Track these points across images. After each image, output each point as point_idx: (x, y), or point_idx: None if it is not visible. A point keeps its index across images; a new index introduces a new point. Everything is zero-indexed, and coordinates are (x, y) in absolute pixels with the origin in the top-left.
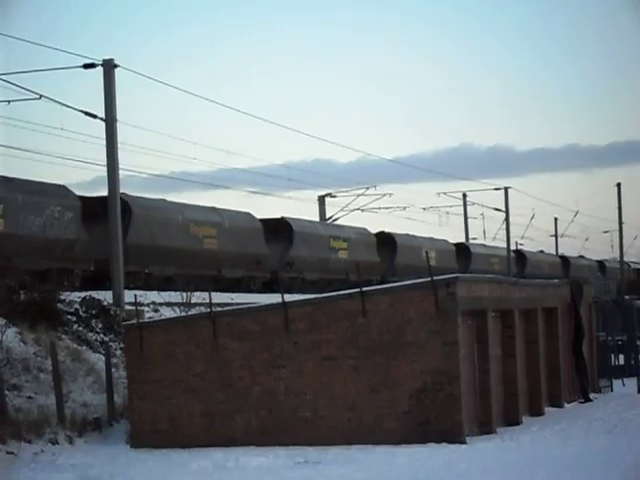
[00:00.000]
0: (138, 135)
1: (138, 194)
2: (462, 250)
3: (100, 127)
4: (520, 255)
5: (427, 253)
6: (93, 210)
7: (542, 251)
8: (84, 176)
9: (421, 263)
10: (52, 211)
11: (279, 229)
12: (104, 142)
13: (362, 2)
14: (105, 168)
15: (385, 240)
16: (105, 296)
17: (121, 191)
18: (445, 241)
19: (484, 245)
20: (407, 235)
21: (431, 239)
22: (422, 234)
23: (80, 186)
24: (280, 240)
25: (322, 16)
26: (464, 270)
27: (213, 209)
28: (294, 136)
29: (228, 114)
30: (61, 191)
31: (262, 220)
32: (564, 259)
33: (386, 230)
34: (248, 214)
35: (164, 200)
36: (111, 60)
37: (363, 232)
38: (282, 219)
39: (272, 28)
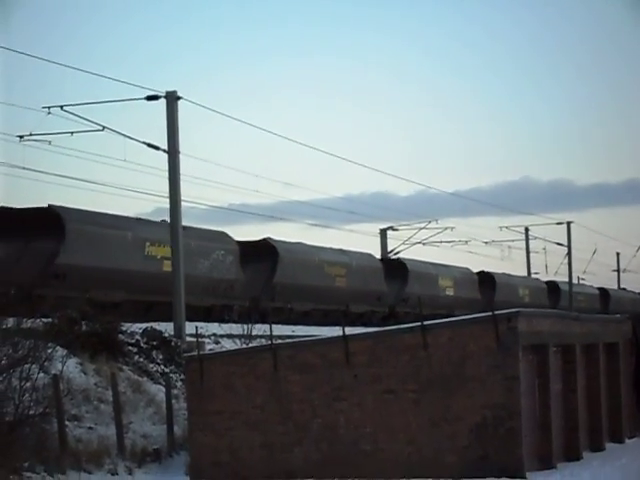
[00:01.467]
0: (198, 166)
1: (197, 225)
2: (553, 288)
3: (162, 158)
4: (604, 292)
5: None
6: (247, 253)
7: (624, 289)
8: (145, 207)
9: (517, 300)
10: (217, 255)
11: (396, 268)
12: (166, 173)
13: (429, 36)
14: (165, 199)
15: (485, 278)
16: (166, 327)
17: (268, 236)
18: (537, 279)
19: (574, 284)
20: (504, 274)
21: (525, 278)
22: (518, 273)
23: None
24: (397, 278)
25: (387, 50)
26: (554, 307)
27: (341, 251)
28: (353, 168)
29: (287, 145)
30: (223, 237)
31: (382, 260)
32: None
33: (485, 269)
34: (370, 255)
35: (301, 243)
36: (174, 92)
37: (466, 271)
38: (398, 260)
39: (333, 64)
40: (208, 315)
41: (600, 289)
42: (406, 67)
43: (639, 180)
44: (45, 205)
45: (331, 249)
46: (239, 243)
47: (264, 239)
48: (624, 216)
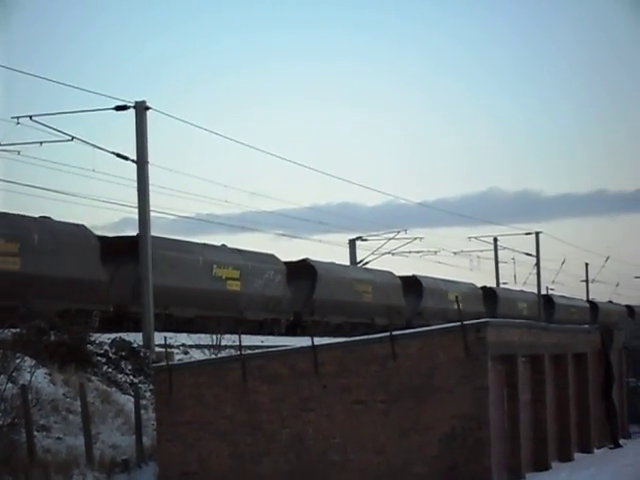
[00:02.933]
0: (165, 176)
1: (164, 235)
2: (548, 301)
3: (131, 168)
4: (594, 305)
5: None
6: (291, 272)
7: (610, 301)
8: (112, 217)
9: (517, 313)
10: (268, 275)
11: (412, 284)
12: (134, 183)
13: (398, 44)
14: (133, 209)
15: (488, 293)
16: (135, 338)
17: (307, 257)
18: (534, 294)
19: (565, 297)
20: (504, 289)
21: (522, 292)
22: (517, 286)
23: (106, 228)
24: (413, 293)
25: (352, 58)
26: (549, 320)
27: (367, 269)
28: (319, 178)
29: (253, 155)
30: (272, 258)
31: (400, 277)
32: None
33: (488, 285)
34: (390, 272)
35: (334, 263)
36: (143, 102)
37: (471, 287)
38: (414, 276)
39: (299, 72)
40: (260, 328)
41: (590, 302)
42: (372, 77)
43: (605, 191)
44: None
45: (359, 268)
46: (286, 263)
47: (304, 259)
48: (592, 226)
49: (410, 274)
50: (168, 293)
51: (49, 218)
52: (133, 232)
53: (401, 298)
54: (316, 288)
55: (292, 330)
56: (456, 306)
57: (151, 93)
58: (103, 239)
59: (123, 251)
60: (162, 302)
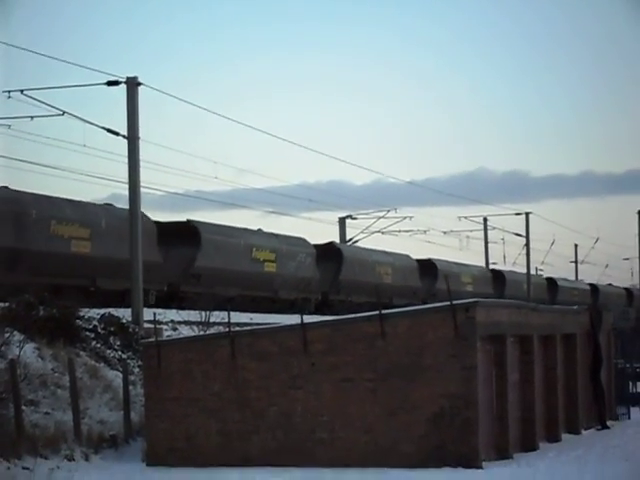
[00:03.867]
0: (155, 151)
1: (153, 212)
2: (551, 284)
3: (122, 144)
4: (595, 288)
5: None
6: (320, 255)
7: (610, 284)
8: (101, 192)
9: (523, 294)
10: (300, 257)
11: (428, 267)
12: (123, 158)
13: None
14: (122, 185)
15: (497, 275)
16: (124, 313)
17: (333, 240)
18: (540, 276)
19: (567, 280)
20: (512, 272)
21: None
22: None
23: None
24: (429, 276)
25: (343, 38)
26: (552, 301)
27: (386, 252)
28: (308, 156)
29: (241, 132)
30: (303, 242)
31: (417, 260)
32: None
33: (497, 268)
34: (408, 256)
35: (357, 246)
36: (135, 78)
37: (482, 270)
38: (430, 260)
39: (292, 49)
40: (292, 306)
41: (591, 285)
42: (362, 56)
43: (594, 172)
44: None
45: (379, 251)
46: (316, 247)
47: (331, 243)
48: (581, 208)
49: (426, 257)
50: (214, 274)
51: (112, 205)
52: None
53: (417, 280)
54: (342, 270)
55: (320, 308)
56: (468, 288)
57: (147, 72)
58: (158, 224)
59: (175, 235)
60: (209, 282)
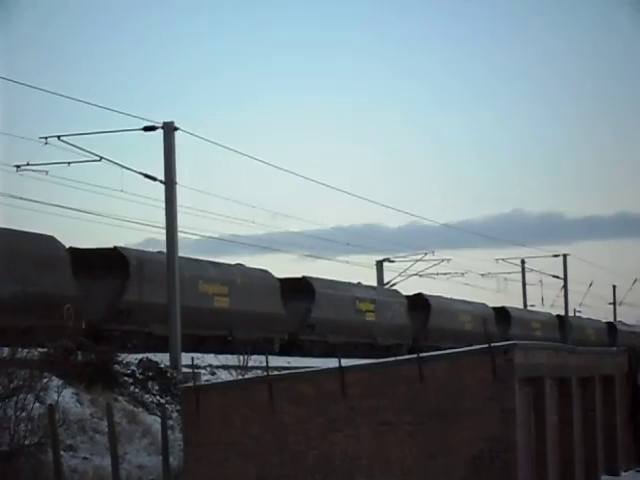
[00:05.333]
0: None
1: (187, 255)
2: (610, 329)
3: (157, 188)
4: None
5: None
6: (411, 304)
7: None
8: (136, 237)
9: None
10: (395, 307)
11: (502, 314)
12: (159, 203)
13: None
14: (157, 229)
15: (562, 320)
16: (162, 358)
17: (420, 291)
18: (599, 321)
19: (625, 323)
20: (576, 317)
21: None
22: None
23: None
24: (503, 323)
25: (377, 80)
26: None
27: (465, 301)
28: (341, 199)
29: (275, 175)
30: (397, 293)
31: (493, 308)
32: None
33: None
34: (484, 304)
35: (441, 296)
36: (171, 123)
37: (549, 315)
38: (504, 308)
39: (328, 90)
40: (388, 350)
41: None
42: (394, 98)
43: (629, 213)
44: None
45: (459, 300)
46: (407, 297)
47: (420, 294)
48: (618, 249)
49: (500, 305)
50: (326, 324)
51: (242, 265)
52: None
53: (494, 326)
54: (430, 318)
55: (412, 352)
56: (538, 333)
57: (175, 113)
58: (283, 280)
59: (295, 290)
60: (323, 331)
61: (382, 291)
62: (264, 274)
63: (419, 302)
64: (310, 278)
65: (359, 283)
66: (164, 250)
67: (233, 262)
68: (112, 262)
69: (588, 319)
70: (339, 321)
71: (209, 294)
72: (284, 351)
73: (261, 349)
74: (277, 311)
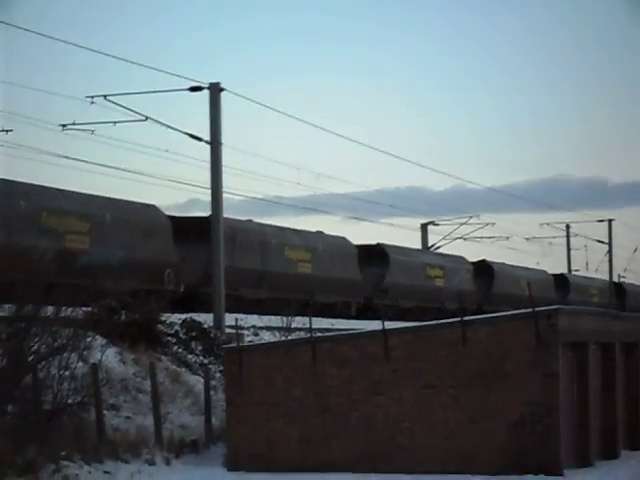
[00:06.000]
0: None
1: (231, 216)
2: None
3: (202, 149)
4: None
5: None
6: (477, 270)
7: None
8: (180, 197)
9: (588, 299)
10: (461, 273)
11: (561, 281)
12: (203, 163)
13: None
14: (200, 189)
15: (618, 288)
16: (206, 319)
17: (484, 258)
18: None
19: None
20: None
21: (593, 279)
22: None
23: (172, 208)
24: (562, 289)
25: (415, 49)
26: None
27: (526, 268)
28: (385, 161)
29: (319, 136)
30: (462, 259)
31: (472, 263)
32: None
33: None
34: (545, 271)
35: (504, 263)
36: (217, 83)
37: (605, 282)
38: (563, 274)
39: (373, 55)
40: (454, 315)
41: None
42: (435, 65)
43: None
44: None
45: (521, 267)
46: (473, 264)
47: (483, 260)
48: None
49: (559, 273)
50: (400, 289)
51: (322, 232)
52: (204, 213)
53: (553, 293)
54: (494, 283)
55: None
56: (595, 299)
57: (221, 74)
58: (359, 247)
59: (368, 256)
60: (396, 296)
61: (450, 258)
62: (343, 241)
63: (484, 268)
64: (385, 245)
65: (428, 249)
66: (252, 219)
67: (277, 223)
68: (206, 230)
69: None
70: (410, 286)
71: (293, 260)
72: (360, 315)
73: (339, 312)
74: (354, 276)
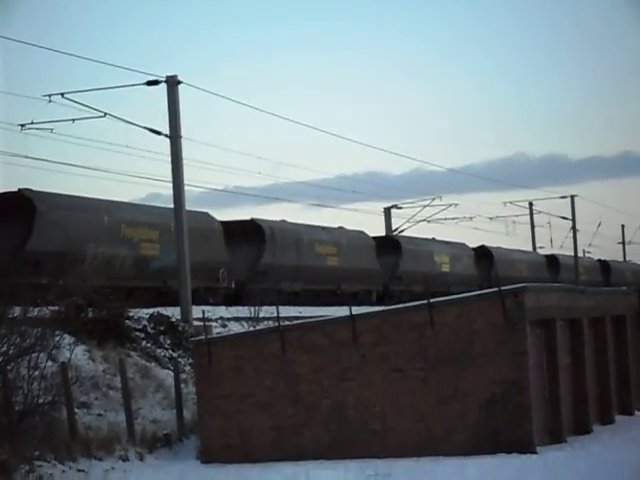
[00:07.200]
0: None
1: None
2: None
3: (162, 143)
4: None
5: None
6: (477, 255)
7: None
8: (139, 192)
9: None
10: (464, 259)
11: (553, 262)
12: (163, 157)
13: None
14: (159, 183)
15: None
16: (173, 312)
17: (483, 244)
18: (637, 264)
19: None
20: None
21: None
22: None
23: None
24: (553, 269)
25: (379, 32)
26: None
27: (521, 251)
28: (343, 146)
29: (276, 124)
30: (464, 246)
31: (473, 249)
32: None
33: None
34: (537, 253)
35: (503, 247)
36: (174, 76)
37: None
38: (554, 255)
39: (327, 41)
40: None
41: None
42: (397, 48)
43: (632, 152)
44: None
45: (517, 250)
46: (474, 249)
47: (483, 246)
48: (624, 188)
49: (550, 253)
50: (412, 275)
51: (343, 227)
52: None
53: (546, 273)
54: (493, 267)
55: None
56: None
57: (177, 67)
58: (376, 239)
59: (387, 247)
60: (408, 282)
61: (454, 245)
62: (362, 235)
63: (483, 253)
64: (397, 236)
65: (433, 239)
66: (286, 219)
67: (238, 213)
68: (251, 231)
69: (628, 262)
70: (420, 272)
71: (323, 254)
72: (379, 300)
73: (362, 300)
74: (374, 266)
